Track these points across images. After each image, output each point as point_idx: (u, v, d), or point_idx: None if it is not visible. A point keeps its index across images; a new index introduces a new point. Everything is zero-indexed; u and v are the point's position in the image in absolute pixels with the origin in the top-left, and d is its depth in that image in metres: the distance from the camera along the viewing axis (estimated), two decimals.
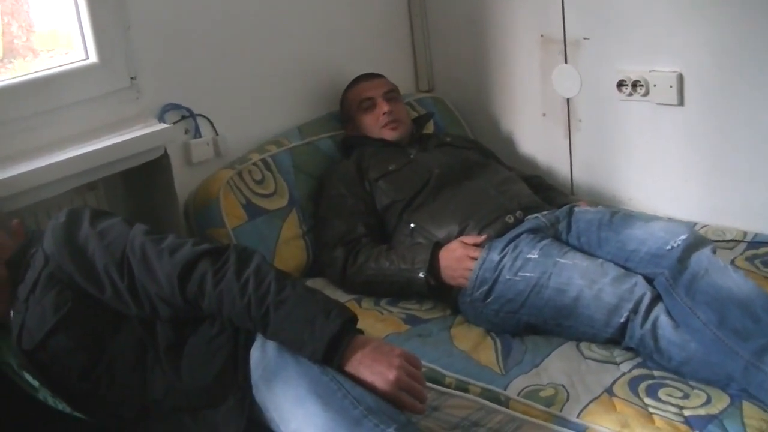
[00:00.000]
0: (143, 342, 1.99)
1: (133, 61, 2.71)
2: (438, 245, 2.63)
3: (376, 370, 1.81)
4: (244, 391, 1.88)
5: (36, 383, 2.01)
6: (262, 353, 1.89)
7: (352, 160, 2.98)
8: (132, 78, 2.72)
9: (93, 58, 2.67)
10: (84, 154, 2.54)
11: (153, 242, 1.98)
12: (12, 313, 2.05)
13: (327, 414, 1.73)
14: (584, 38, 3.12)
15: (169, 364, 1.96)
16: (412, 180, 2.86)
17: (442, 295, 2.62)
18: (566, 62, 3.21)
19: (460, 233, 2.65)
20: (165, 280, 1.92)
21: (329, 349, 1.81)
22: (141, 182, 2.78)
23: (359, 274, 2.69)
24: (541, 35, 3.25)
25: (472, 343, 2.41)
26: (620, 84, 3.03)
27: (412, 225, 2.76)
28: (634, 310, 2.23)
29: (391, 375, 1.80)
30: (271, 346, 1.88)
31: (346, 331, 1.85)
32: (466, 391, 2.20)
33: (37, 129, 2.54)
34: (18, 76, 2.58)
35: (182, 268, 1.91)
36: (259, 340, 1.91)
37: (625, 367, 2.21)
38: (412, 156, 2.97)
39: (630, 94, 3.02)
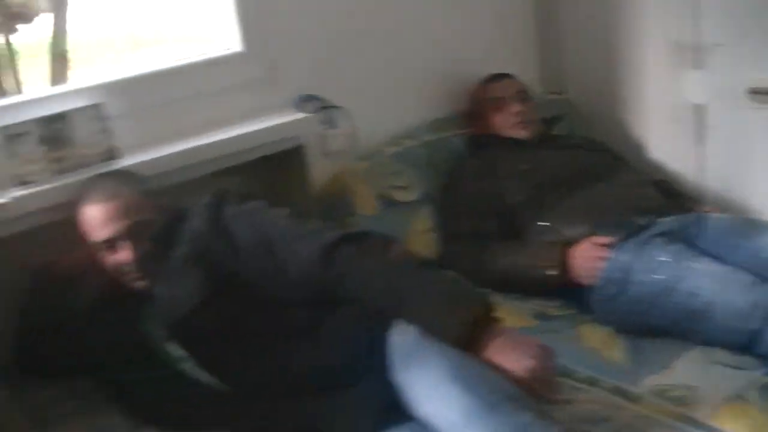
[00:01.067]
0: (283, 321, 2.05)
1: (274, 52, 2.81)
2: (568, 244, 2.64)
3: (513, 358, 1.84)
4: (381, 372, 1.91)
5: (180, 354, 2.09)
6: (400, 336, 1.92)
7: (482, 158, 3.01)
8: (273, 68, 2.81)
9: (237, 47, 2.77)
10: (226, 139, 2.63)
11: (296, 225, 2.05)
12: (158, 287, 2.13)
13: (464, 398, 1.75)
14: (716, 44, 3.09)
15: (308, 344, 2.01)
16: (542, 180, 2.88)
17: (571, 293, 2.64)
18: (697, 68, 3.17)
19: (590, 234, 2.66)
20: (307, 261, 1.98)
21: (468, 335, 1.84)
22: (276, 170, 2.86)
23: (487, 270, 2.71)
24: (672, 40, 3.22)
25: (601, 342, 2.41)
26: (754, 92, 2.99)
27: (541, 224, 2.78)
28: (767, 318, 2.22)
29: (528, 363, 1.83)
30: (409, 329, 1.91)
31: (485, 317, 1.88)
32: (596, 387, 2.20)
33: (184, 113, 2.66)
34: (167, 63, 2.71)
35: (324, 250, 1.97)
36: (397, 323, 1.94)
37: (757, 373, 2.18)
38: (541, 156, 2.99)
39: (764, 102, 2.98)
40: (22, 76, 4.20)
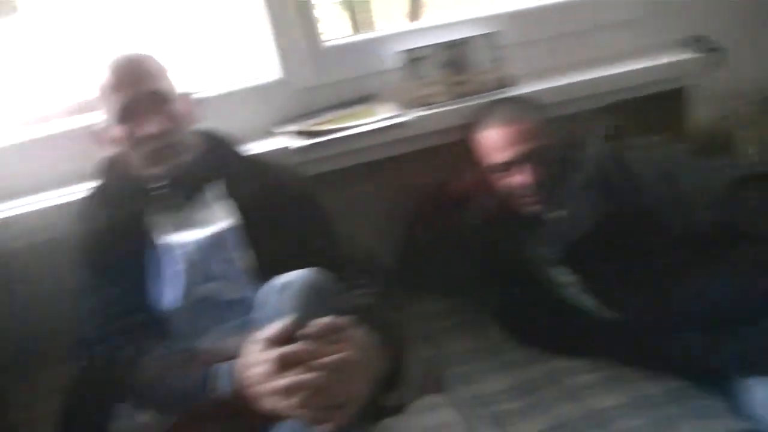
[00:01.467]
0: (679, 254, 2.04)
1: None
2: None
3: None
4: None
5: (568, 279, 2.13)
6: None
7: None
8: (659, 6, 2.77)
9: None
10: (612, 75, 2.63)
11: (699, 160, 2.03)
12: (552, 211, 2.18)
13: None
14: None
15: (703, 279, 1.99)
16: None
17: None
18: None
19: None
20: (713, 195, 1.96)
21: None
22: (655, 111, 2.82)
23: None
24: None
25: None
26: None
27: None
28: None
29: None
30: None
31: None
32: None
33: (571, 46, 2.73)
34: None
35: (733, 186, 1.94)
36: None
37: None
38: None
39: None
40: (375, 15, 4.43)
